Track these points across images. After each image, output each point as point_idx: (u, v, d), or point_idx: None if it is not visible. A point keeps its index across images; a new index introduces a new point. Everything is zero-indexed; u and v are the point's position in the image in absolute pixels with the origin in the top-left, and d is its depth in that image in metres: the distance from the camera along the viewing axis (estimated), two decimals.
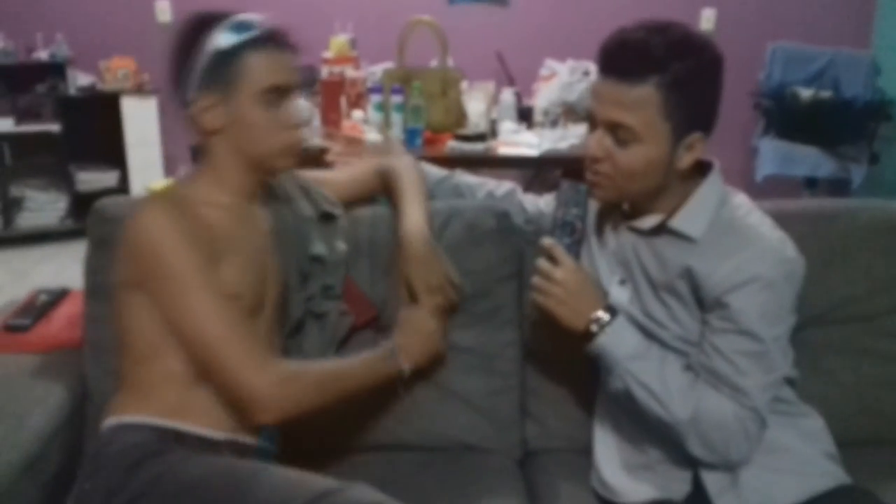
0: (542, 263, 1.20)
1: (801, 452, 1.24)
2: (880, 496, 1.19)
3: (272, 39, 1.19)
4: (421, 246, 1.34)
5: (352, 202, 1.48)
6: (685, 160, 1.18)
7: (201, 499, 1.06)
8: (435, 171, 1.60)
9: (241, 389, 1.12)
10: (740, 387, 1.15)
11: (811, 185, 3.82)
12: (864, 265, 1.47)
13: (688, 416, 1.15)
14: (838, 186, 3.94)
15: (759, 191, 3.64)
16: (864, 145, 3.74)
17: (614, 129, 1.15)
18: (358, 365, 1.27)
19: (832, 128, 3.76)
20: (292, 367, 1.20)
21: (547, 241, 1.21)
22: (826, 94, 3.82)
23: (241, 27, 1.17)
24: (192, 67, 1.17)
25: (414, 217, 1.37)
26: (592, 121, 1.20)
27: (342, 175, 1.53)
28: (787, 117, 3.84)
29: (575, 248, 1.21)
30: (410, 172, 1.46)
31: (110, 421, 1.19)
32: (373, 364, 1.28)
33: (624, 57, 1.13)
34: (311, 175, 1.48)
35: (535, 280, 1.21)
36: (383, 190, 1.48)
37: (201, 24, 1.18)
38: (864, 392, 1.46)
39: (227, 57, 1.16)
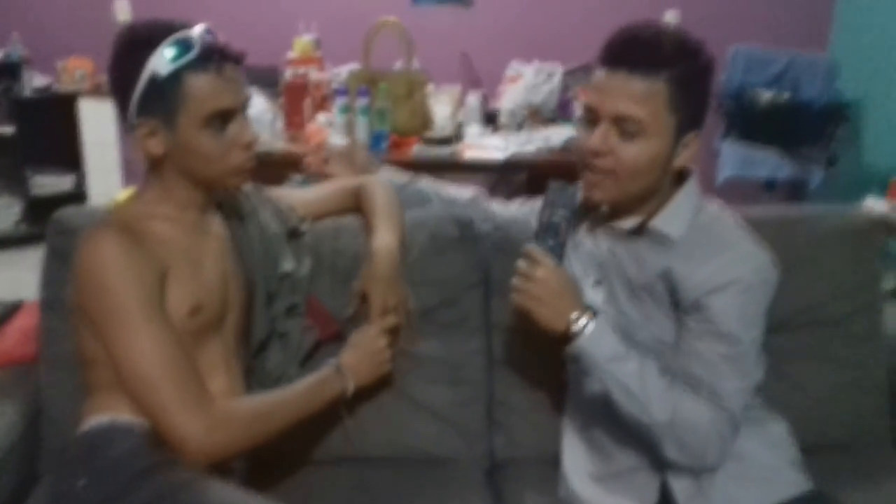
0: (521, 264, 1.19)
1: (767, 460, 1.25)
2: (843, 502, 1.21)
3: (213, 58, 1.11)
4: (387, 265, 1.32)
5: (320, 219, 1.46)
6: (682, 158, 1.20)
7: None
8: (397, 177, 1.59)
9: (170, 433, 1.09)
10: (717, 390, 1.16)
11: (770, 186, 3.87)
12: (827, 271, 1.50)
13: (666, 419, 1.15)
14: (797, 188, 4.00)
15: (720, 192, 3.66)
16: (822, 147, 3.80)
17: (621, 122, 1.15)
18: (299, 392, 1.25)
19: (791, 130, 3.81)
20: (226, 410, 1.15)
21: (527, 245, 1.20)
22: (785, 96, 3.87)
23: (178, 48, 1.09)
24: (131, 91, 1.11)
25: (385, 236, 1.35)
26: (593, 116, 1.18)
27: (311, 193, 1.50)
28: (748, 119, 3.89)
29: (559, 250, 1.20)
30: (385, 193, 1.44)
31: (101, 418, 1.14)
32: (316, 387, 1.26)
33: (637, 49, 1.14)
34: (280, 193, 1.45)
35: (515, 280, 1.20)
36: (356, 209, 1.45)
37: (138, 44, 1.10)
38: (828, 397, 1.49)
39: (166, 83, 1.09)
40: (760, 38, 4.13)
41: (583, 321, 1.17)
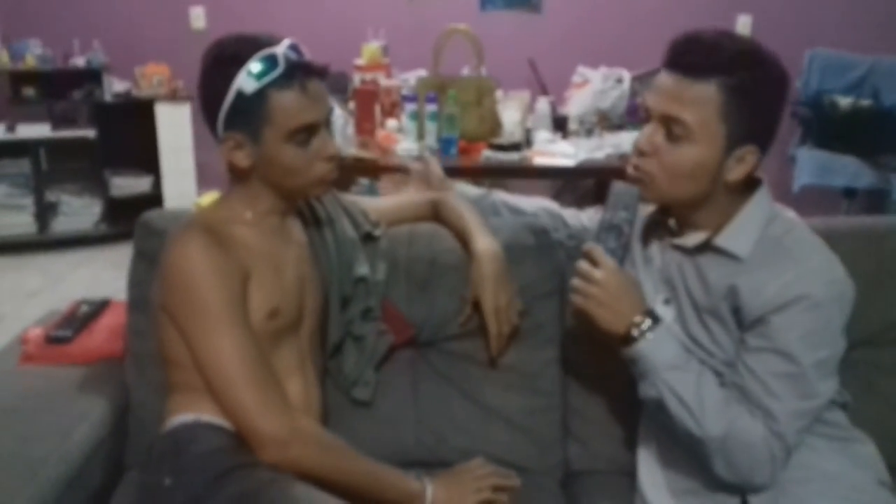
0: (582, 265, 1.18)
1: (853, 479, 1.20)
2: None
3: (297, 75, 1.13)
4: (494, 265, 1.34)
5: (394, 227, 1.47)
6: (735, 172, 1.16)
7: None
8: (471, 190, 1.60)
9: (252, 433, 1.11)
10: (770, 409, 1.12)
11: (850, 195, 3.75)
12: None
13: (719, 434, 1.12)
14: (878, 197, 3.86)
15: (796, 201, 3.55)
16: None
17: (668, 123, 1.14)
18: (379, 466, 1.19)
19: (872, 137, 3.69)
20: (307, 424, 1.17)
21: (588, 244, 1.20)
22: (866, 102, 3.75)
23: (264, 65, 1.11)
24: (219, 107, 1.14)
25: (485, 240, 1.37)
26: (647, 116, 1.19)
27: (386, 202, 1.52)
28: (826, 126, 3.78)
29: (620, 252, 1.19)
30: (465, 203, 1.46)
31: (186, 416, 1.17)
32: (394, 481, 1.19)
33: (693, 53, 1.13)
34: (355, 198, 1.47)
35: (574, 281, 1.19)
36: (435, 219, 1.47)
37: (224, 61, 1.13)
38: None
39: (252, 99, 1.12)
40: (839, 43, 4.01)
41: (645, 325, 1.16)
